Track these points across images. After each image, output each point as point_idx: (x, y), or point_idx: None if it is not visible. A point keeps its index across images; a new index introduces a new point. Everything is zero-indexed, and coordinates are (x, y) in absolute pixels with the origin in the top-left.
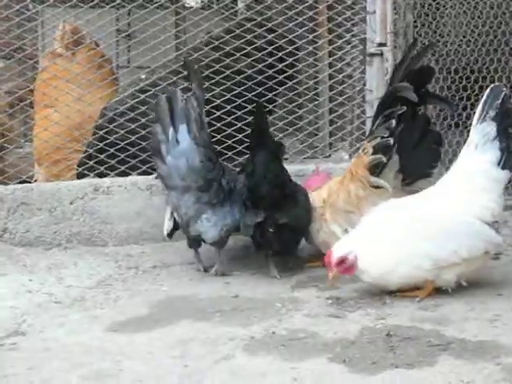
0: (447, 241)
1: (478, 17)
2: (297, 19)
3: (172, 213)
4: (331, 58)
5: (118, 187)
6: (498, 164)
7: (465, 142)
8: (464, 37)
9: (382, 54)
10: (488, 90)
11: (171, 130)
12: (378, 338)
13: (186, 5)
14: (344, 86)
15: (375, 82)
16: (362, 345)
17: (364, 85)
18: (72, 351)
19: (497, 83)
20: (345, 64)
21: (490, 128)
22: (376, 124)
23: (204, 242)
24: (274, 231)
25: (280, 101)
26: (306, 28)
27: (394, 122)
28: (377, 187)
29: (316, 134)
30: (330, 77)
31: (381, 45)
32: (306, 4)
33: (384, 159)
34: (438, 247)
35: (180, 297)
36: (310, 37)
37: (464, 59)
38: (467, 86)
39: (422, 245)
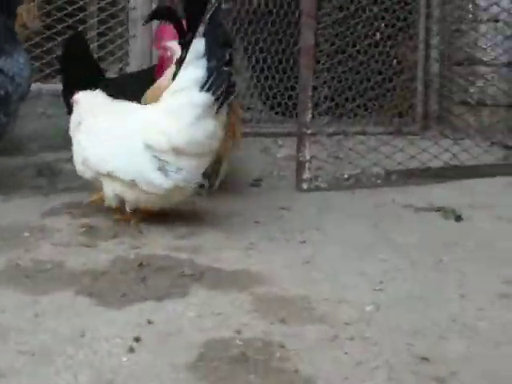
0: (101, 146)
1: None
2: None
3: None
4: None
5: None
6: (202, 85)
7: None
8: None
9: None
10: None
11: None
12: (131, 268)
13: None
14: (107, 2)
15: None
16: (113, 276)
17: (128, 2)
18: None
19: None
20: None
21: (200, 44)
22: None
23: None
24: None
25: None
26: None
27: None
28: None
29: None
30: None
31: None
32: None
33: None
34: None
35: None
36: None
37: None
38: None
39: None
